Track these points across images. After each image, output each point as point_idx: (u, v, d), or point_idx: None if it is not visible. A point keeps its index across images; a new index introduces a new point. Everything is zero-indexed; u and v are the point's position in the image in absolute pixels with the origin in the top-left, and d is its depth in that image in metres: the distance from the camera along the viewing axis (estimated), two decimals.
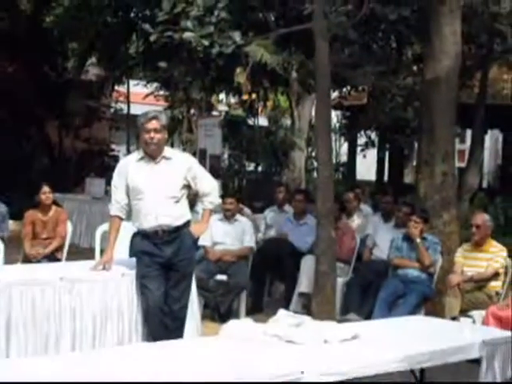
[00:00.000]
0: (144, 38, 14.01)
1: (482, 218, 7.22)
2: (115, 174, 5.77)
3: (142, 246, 5.62)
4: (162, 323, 5.55)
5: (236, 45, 7.13)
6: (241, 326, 4.16)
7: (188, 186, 5.74)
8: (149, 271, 5.56)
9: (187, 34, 6.89)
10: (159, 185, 5.57)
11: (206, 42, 6.98)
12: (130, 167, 5.63)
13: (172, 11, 6.96)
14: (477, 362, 4.47)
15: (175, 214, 5.63)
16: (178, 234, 5.64)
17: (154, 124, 5.53)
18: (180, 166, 5.67)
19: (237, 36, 7.08)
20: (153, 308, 5.53)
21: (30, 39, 17.38)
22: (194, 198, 6.76)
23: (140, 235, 5.66)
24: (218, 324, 7.40)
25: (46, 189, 7.78)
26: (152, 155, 5.60)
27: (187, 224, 5.72)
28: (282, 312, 4.34)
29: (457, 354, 4.32)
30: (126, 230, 5.93)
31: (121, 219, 5.75)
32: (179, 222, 5.65)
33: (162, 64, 9.72)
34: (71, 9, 12.91)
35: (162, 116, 5.65)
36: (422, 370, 4.61)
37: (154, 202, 5.55)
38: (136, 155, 5.73)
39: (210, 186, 5.86)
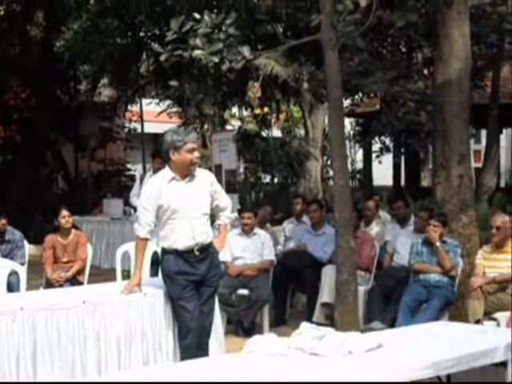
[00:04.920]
0: (154, 57, 14.14)
1: (502, 220, 7.18)
2: (144, 196, 5.71)
3: (175, 266, 5.60)
4: (197, 342, 5.59)
5: (246, 60, 7.14)
6: (264, 341, 4.17)
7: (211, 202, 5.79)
8: (185, 292, 5.58)
9: (197, 52, 6.92)
10: (194, 203, 5.62)
11: (215, 59, 7.00)
12: (162, 188, 5.60)
13: (180, 30, 6.98)
14: (503, 365, 4.44)
15: (207, 231, 5.71)
16: (209, 251, 5.70)
17: (196, 144, 5.62)
18: (206, 182, 5.74)
19: (246, 51, 7.10)
20: (194, 329, 5.56)
21: (42, 64, 17.55)
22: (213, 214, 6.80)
23: (172, 255, 5.63)
24: (242, 339, 7.41)
25: (65, 213, 7.82)
26: (183, 174, 5.62)
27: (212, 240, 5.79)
28: (304, 325, 4.33)
29: (482, 358, 4.30)
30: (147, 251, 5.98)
31: (147, 240, 5.77)
32: (210, 239, 5.73)
33: (173, 82, 9.75)
34: (80, 32, 13.00)
35: None
36: (449, 376, 4.59)
37: (191, 221, 5.58)
38: (165, 175, 5.67)
39: (226, 201, 5.97)
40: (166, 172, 5.70)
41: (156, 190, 5.63)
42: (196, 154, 5.58)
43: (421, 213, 8.26)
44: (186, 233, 5.59)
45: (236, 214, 8.46)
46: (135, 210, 10.91)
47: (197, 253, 5.63)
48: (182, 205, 5.58)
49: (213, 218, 6.43)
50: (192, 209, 5.61)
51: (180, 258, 5.62)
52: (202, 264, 5.66)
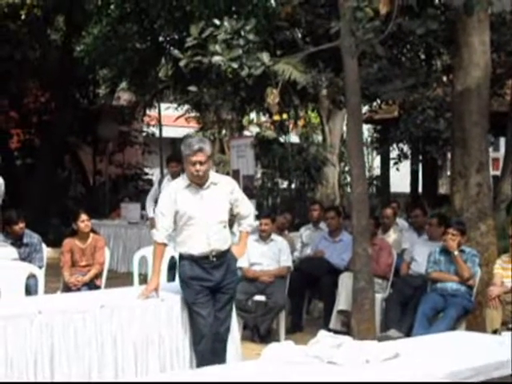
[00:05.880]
0: (173, 62, 14.19)
1: None
2: (162, 202, 5.78)
3: (190, 271, 5.64)
4: (212, 348, 5.61)
5: (265, 66, 7.14)
6: (282, 349, 4.16)
7: (230, 209, 5.80)
8: (199, 297, 5.61)
9: (216, 58, 6.92)
10: (210, 210, 5.64)
11: (234, 65, 7.00)
12: (178, 194, 5.64)
13: (200, 36, 6.99)
14: None
15: (224, 238, 5.72)
16: (225, 258, 5.71)
17: (199, 156, 5.55)
18: (225, 189, 5.74)
19: (265, 57, 7.09)
20: (208, 334, 5.59)
21: (61, 68, 17.65)
22: (231, 219, 6.79)
23: (188, 260, 5.67)
24: (258, 345, 7.43)
25: (84, 217, 7.84)
26: (199, 184, 5.65)
27: (230, 247, 5.79)
28: (322, 333, 4.32)
29: (500, 368, 4.27)
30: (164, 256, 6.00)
31: (165, 246, 5.80)
32: (227, 246, 5.74)
33: (192, 88, 9.77)
34: (100, 37, 13.06)
35: (206, 147, 5.62)
36: None
37: (206, 227, 5.61)
38: (182, 182, 5.73)
39: (248, 209, 5.97)
40: (184, 178, 5.75)
41: (173, 195, 5.68)
42: (198, 166, 5.54)
43: (431, 220, 8.28)
44: (201, 239, 5.62)
45: (258, 222, 8.48)
46: (146, 218, 11.00)
47: (213, 259, 5.65)
48: (197, 211, 5.61)
49: (231, 223, 6.45)
50: (207, 216, 5.63)
51: (195, 264, 5.64)
52: (218, 270, 5.68)
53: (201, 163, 5.56)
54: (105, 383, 5.13)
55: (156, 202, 9.13)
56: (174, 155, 10.17)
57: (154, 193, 9.94)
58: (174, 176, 8.94)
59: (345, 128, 17.08)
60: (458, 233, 7.46)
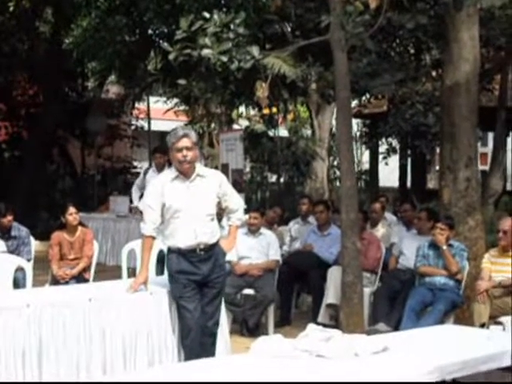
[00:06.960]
0: (162, 55, 14.14)
1: (509, 223, 7.16)
2: (148, 195, 5.77)
3: (177, 265, 5.62)
4: (200, 342, 5.60)
5: (255, 59, 7.13)
6: (271, 343, 4.16)
7: (218, 203, 5.79)
8: (186, 291, 5.59)
9: (206, 51, 6.89)
10: (197, 203, 5.61)
11: (224, 58, 6.98)
12: (165, 187, 5.61)
13: (190, 29, 6.97)
14: (509, 369, 4.43)
15: (212, 231, 5.69)
16: (213, 252, 5.69)
17: (185, 142, 5.53)
18: (213, 183, 5.71)
19: (255, 51, 7.08)
20: (195, 328, 5.57)
21: (50, 61, 17.56)
22: (220, 213, 6.79)
23: (175, 254, 5.65)
24: (247, 338, 7.43)
25: (72, 210, 7.82)
26: (186, 174, 5.61)
27: (218, 240, 5.78)
28: (311, 326, 4.33)
29: (488, 362, 4.29)
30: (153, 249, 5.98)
31: (154, 239, 5.78)
32: (215, 239, 5.71)
33: (181, 81, 9.75)
34: (89, 30, 12.98)
35: (191, 133, 5.65)
36: (454, 381, 4.57)
37: (193, 220, 5.58)
38: (169, 174, 5.70)
39: (237, 203, 5.95)
40: (171, 170, 5.73)
41: (160, 188, 5.65)
42: (184, 152, 5.52)
43: (420, 214, 8.30)
44: (187, 232, 5.60)
45: (247, 216, 8.48)
46: (131, 201, 11.01)
47: (200, 252, 5.62)
48: (183, 204, 5.59)
49: (220, 216, 6.44)
50: (194, 209, 5.61)
51: (182, 257, 5.62)
52: (205, 264, 5.65)
53: (187, 148, 5.53)
54: (94, 383, 5.09)
55: (142, 189, 9.19)
56: (159, 146, 10.20)
57: (140, 182, 9.93)
58: (159, 167, 8.99)
59: (334, 122, 17.14)
60: (446, 227, 7.48)
